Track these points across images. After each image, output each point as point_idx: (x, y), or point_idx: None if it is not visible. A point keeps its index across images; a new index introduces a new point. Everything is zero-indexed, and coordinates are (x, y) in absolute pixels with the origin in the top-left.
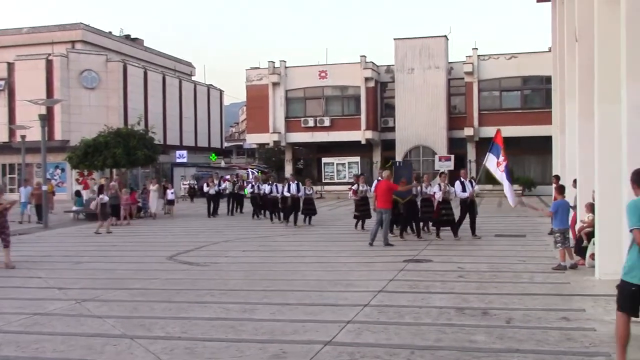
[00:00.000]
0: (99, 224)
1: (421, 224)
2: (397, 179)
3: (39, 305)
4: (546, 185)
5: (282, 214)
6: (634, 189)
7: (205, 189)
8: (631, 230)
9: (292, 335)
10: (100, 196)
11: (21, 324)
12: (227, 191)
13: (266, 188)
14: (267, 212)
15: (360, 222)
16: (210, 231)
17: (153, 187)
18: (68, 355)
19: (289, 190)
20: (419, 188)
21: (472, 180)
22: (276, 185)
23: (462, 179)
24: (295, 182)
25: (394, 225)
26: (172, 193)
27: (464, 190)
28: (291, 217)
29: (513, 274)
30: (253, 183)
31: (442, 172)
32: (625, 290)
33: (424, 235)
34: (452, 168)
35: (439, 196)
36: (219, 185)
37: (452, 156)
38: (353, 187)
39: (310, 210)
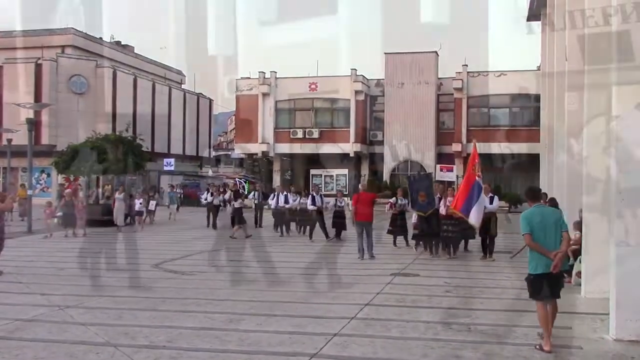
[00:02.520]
0: (235, 229)
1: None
2: (414, 192)
3: (20, 311)
4: None
5: (303, 228)
6: (528, 202)
7: (209, 198)
8: (523, 235)
9: (278, 347)
10: (235, 202)
11: (2, 329)
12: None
13: (290, 199)
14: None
15: (397, 238)
16: (196, 240)
17: (119, 196)
18: None
19: (313, 203)
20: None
21: (495, 196)
22: (297, 196)
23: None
24: (320, 193)
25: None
26: (140, 203)
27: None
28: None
29: (500, 290)
30: (276, 193)
31: (450, 187)
32: (527, 280)
33: (443, 254)
34: (454, 180)
35: (442, 211)
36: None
37: (454, 166)
38: (391, 201)
39: (341, 224)
